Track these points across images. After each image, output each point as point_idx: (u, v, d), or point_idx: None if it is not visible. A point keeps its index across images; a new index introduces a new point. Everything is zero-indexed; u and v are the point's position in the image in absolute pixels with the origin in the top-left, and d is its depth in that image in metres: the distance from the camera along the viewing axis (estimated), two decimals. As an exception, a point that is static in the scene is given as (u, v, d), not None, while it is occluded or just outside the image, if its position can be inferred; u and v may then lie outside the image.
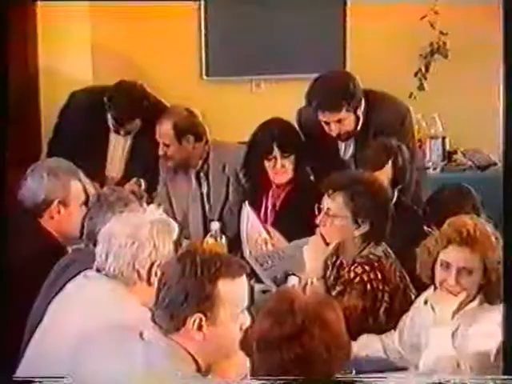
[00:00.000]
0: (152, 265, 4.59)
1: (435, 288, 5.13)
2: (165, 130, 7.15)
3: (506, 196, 3.88)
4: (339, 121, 6.99)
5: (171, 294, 3.98)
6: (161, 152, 7.22)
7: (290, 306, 3.59)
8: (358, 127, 7.13)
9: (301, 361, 3.50)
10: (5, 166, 3.43)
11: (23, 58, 8.67)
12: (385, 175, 6.38)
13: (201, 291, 3.93)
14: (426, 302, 5.22)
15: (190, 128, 7.18)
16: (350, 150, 7.27)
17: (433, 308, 5.11)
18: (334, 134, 7.06)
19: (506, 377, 3.91)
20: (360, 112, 7.10)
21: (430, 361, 4.95)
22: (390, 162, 6.45)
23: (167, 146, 7.17)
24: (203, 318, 3.92)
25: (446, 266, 4.99)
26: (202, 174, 7.32)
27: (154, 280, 4.52)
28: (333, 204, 5.60)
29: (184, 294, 3.94)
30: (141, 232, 4.66)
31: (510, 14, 3.53)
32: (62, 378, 4.12)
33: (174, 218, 5.11)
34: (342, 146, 7.29)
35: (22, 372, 4.73)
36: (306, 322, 3.53)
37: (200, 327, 3.93)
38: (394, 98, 7.44)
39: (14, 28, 8.58)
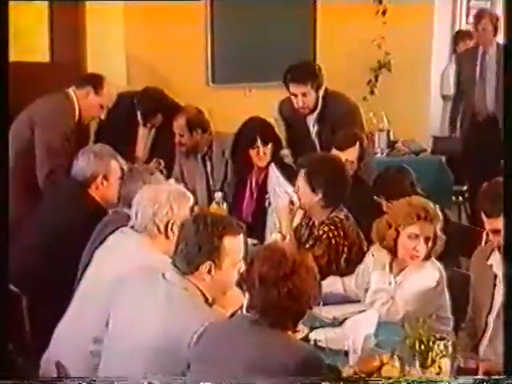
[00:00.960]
0: (168, 222, 4.64)
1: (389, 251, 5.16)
2: (180, 124, 7.14)
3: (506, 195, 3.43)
4: (304, 94, 7.05)
5: (188, 247, 4.05)
6: (176, 140, 7.21)
7: (283, 255, 3.64)
8: (318, 107, 7.17)
9: (291, 295, 3.55)
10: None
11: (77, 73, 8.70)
12: (353, 153, 6.45)
13: (211, 244, 4.02)
14: (372, 254, 5.29)
15: (198, 123, 7.17)
16: (316, 129, 7.27)
17: (373, 255, 5.25)
18: (299, 105, 7.12)
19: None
20: (320, 93, 7.14)
21: (371, 293, 5.07)
22: (357, 144, 6.48)
23: (181, 136, 7.16)
24: (212, 265, 4.01)
25: (415, 236, 4.99)
26: (206, 158, 7.29)
27: (170, 234, 4.60)
28: (299, 178, 5.69)
29: (198, 246, 4.02)
30: (160, 197, 4.72)
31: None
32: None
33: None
34: (310, 124, 7.31)
35: (74, 305, 4.78)
36: (296, 266, 3.59)
37: (209, 271, 4.01)
38: (346, 96, 7.50)
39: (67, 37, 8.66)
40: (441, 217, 5.04)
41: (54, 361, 4.39)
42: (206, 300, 4.06)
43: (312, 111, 7.19)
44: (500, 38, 8.74)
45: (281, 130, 7.31)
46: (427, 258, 5.06)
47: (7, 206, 3.15)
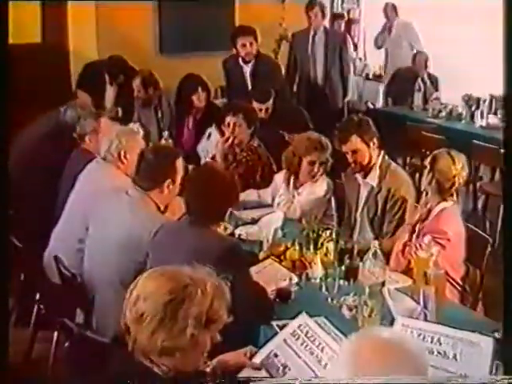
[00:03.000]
0: (120, 152, 4.56)
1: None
2: (137, 82, 7.00)
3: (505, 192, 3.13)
4: (251, 44, 7.19)
5: (149, 170, 4.03)
6: (135, 95, 7.11)
7: (213, 170, 3.72)
8: (253, 59, 7.27)
9: (216, 200, 3.52)
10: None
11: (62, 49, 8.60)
12: (267, 104, 6.39)
13: (170, 166, 4.02)
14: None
15: (151, 82, 7.05)
16: (250, 78, 7.33)
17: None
18: (244, 53, 7.21)
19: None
20: (257, 47, 7.28)
21: (277, 197, 5.17)
22: (271, 98, 6.42)
23: (139, 92, 7.03)
24: (171, 181, 4.00)
25: (313, 162, 5.02)
26: (158, 108, 7.21)
27: (124, 160, 4.54)
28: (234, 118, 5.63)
29: (160, 168, 4.02)
30: (111, 134, 4.69)
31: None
32: None
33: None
34: (246, 74, 7.33)
35: (64, 215, 4.69)
36: (220, 180, 3.58)
37: (169, 186, 3.99)
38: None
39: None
40: (330, 146, 5.04)
41: (53, 255, 4.34)
42: (159, 208, 4.04)
43: (250, 62, 7.27)
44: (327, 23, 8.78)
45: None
46: (320, 175, 5.09)
47: (7, 206, 2.98)
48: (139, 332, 2.30)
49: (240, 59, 7.35)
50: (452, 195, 4.18)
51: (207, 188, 3.55)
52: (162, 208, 4.06)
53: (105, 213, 4.14)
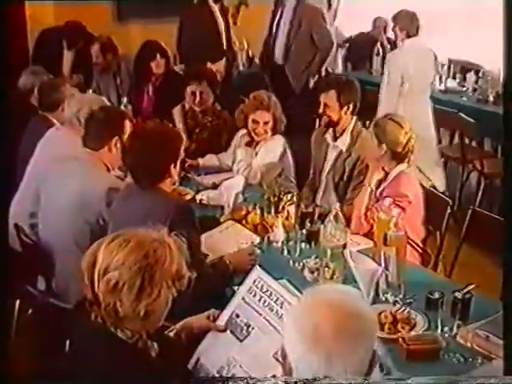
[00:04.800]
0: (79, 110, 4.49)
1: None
2: (96, 48, 6.98)
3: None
4: None
5: (98, 127, 4.02)
6: (94, 61, 7.07)
7: (146, 129, 3.73)
8: None
9: (152, 154, 3.45)
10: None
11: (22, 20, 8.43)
12: (220, 65, 6.55)
13: (118, 124, 4.01)
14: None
15: (110, 48, 7.04)
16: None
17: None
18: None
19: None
20: None
21: (236, 163, 5.10)
22: (223, 59, 6.43)
23: (97, 57, 7.01)
24: (119, 139, 3.97)
25: (257, 121, 5.02)
26: (116, 74, 7.17)
27: (81, 120, 4.38)
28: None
29: (108, 127, 4.01)
30: (83, 99, 4.69)
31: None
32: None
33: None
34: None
35: (20, 187, 4.58)
36: (157, 135, 3.57)
37: (116, 144, 3.97)
38: None
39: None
40: (278, 105, 5.03)
41: (13, 223, 4.22)
42: (108, 170, 4.03)
43: None
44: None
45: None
46: (274, 134, 5.07)
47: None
48: (119, 301, 2.28)
49: None
50: (406, 157, 4.18)
51: (142, 147, 3.49)
52: (111, 169, 4.06)
53: (55, 180, 4.08)
